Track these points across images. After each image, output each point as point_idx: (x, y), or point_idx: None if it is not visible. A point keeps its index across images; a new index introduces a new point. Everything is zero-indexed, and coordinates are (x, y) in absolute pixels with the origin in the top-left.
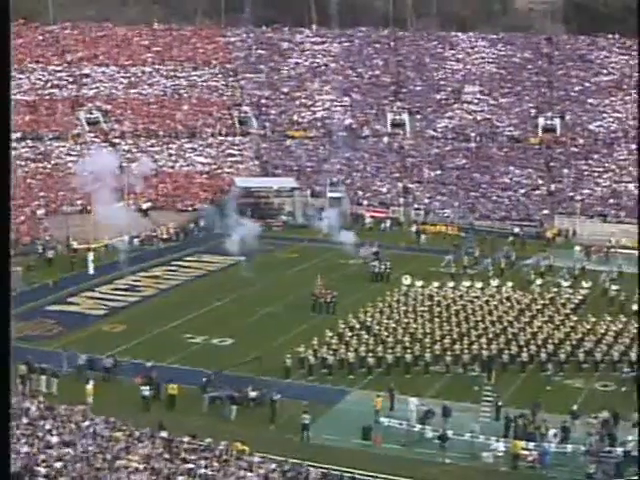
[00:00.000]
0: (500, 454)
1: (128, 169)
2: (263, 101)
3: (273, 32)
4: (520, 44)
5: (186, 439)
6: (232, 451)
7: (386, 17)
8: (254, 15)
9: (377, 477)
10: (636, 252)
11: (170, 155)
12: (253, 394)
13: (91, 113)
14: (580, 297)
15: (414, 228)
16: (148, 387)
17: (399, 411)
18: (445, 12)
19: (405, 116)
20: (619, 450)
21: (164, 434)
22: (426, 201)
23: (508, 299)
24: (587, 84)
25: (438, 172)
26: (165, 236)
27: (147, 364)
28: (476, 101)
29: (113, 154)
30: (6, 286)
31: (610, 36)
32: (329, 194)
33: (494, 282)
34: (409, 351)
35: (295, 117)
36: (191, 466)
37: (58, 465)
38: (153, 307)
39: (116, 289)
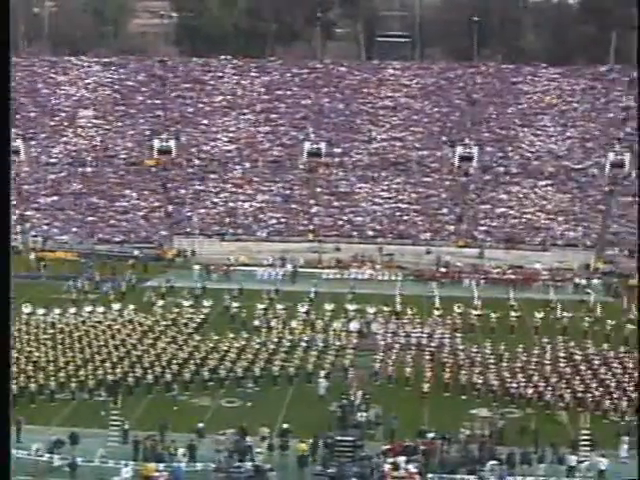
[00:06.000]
0: (129, 477)
1: None
2: None
3: None
4: (133, 67)
5: None
6: None
7: None
8: None
9: None
10: (255, 268)
11: None
12: None
13: None
14: (202, 316)
15: (33, 255)
16: None
17: (26, 441)
18: (55, 35)
19: (20, 143)
20: (249, 465)
21: None
22: (44, 228)
23: (130, 322)
24: (201, 105)
25: (55, 198)
26: None
27: None
28: (90, 125)
29: None
30: (6, 287)
31: (222, 57)
32: None
33: (116, 306)
34: (33, 380)
35: None
36: None
37: None
38: None
39: None
